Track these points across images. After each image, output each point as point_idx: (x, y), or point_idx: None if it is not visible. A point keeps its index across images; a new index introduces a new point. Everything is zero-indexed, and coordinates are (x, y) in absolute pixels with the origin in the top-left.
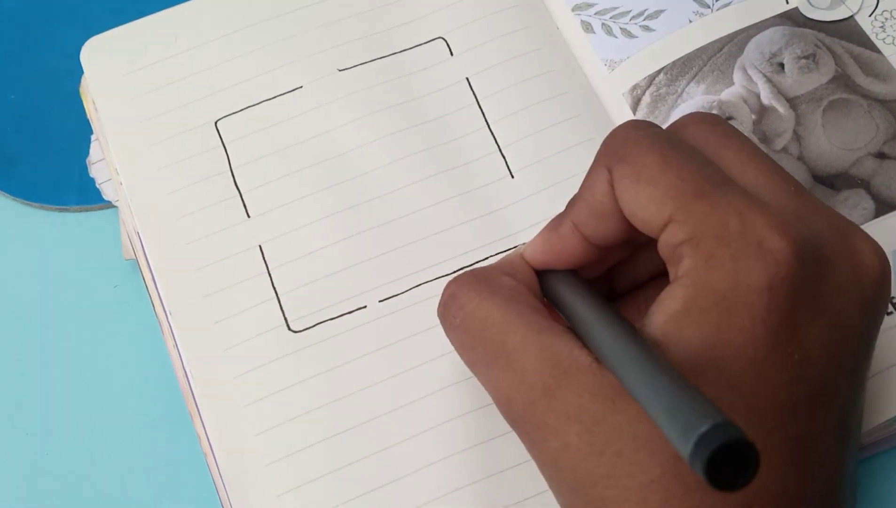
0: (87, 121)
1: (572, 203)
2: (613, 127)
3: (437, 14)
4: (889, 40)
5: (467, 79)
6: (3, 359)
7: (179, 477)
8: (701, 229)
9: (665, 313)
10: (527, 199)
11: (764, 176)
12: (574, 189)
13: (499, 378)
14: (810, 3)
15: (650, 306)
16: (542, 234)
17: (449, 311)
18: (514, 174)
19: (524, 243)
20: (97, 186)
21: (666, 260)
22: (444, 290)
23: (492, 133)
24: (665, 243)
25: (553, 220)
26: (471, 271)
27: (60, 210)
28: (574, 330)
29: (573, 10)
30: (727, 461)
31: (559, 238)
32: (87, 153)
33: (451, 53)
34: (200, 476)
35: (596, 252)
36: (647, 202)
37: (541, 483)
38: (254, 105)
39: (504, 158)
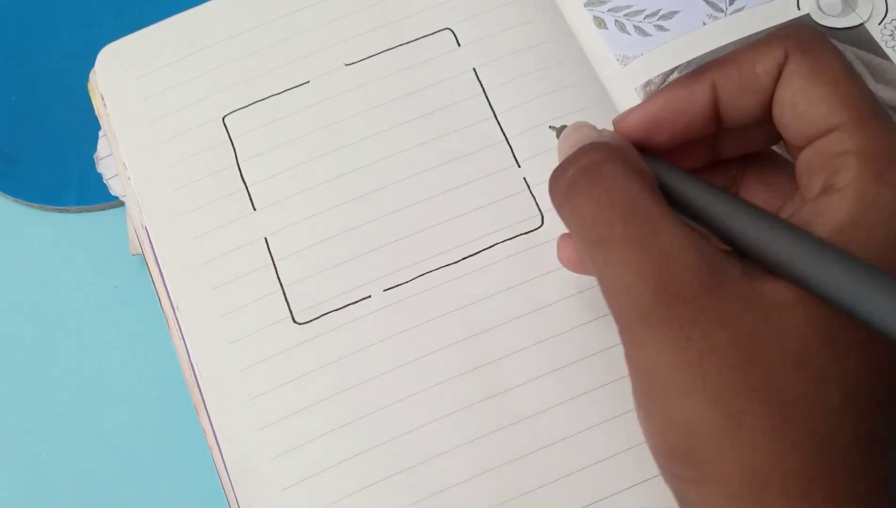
0: (88, 121)
1: (720, 64)
2: None
3: (445, 5)
4: None
5: (474, 69)
6: (3, 359)
7: (185, 471)
8: (873, 147)
9: (830, 224)
10: (533, 188)
11: None
12: None
13: (641, 262)
14: (821, 10)
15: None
16: (668, 89)
17: (589, 178)
18: (520, 164)
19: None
20: (104, 181)
21: (806, 170)
22: (581, 156)
23: (498, 123)
24: (821, 151)
25: (682, 78)
26: (606, 145)
27: (60, 210)
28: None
29: (585, 5)
30: None
31: (689, 94)
32: (88, 154)
33: (459, 44)
34: (206, 469)
35: (710, 131)
36: (818, 101)
37: (546, 473)
38: (261, 100)
39: (511, 147)
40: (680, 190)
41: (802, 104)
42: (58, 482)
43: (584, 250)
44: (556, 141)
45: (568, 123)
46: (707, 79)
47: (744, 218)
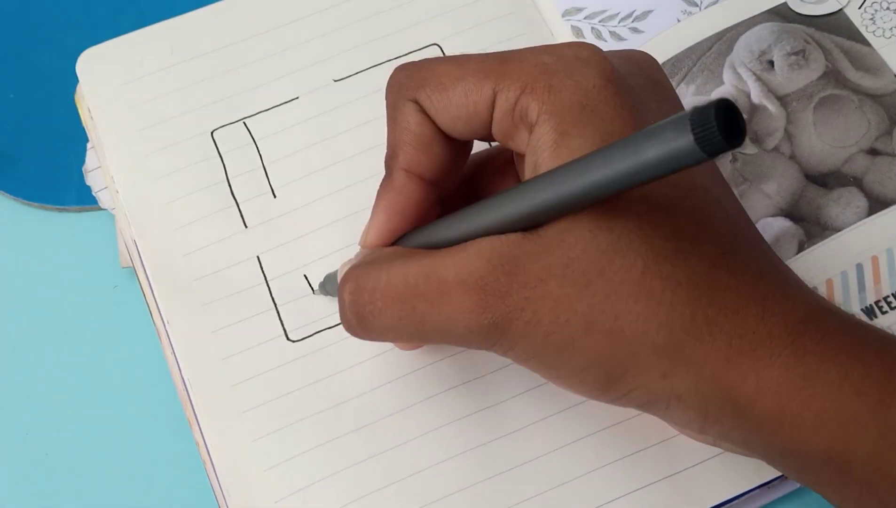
0: (83, 126)
1: (392, 156)
2: None
3: (432, 21)
4: (879, 33)
5: None
6: (2, 359)
7: (178, 484)
8: (526, 77)
9: (546, 151)
10: None
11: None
12: None
13: (460, 310)
14: None
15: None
16: (378, 206)
17: (363, 304)
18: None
19: (350, 260)
20: (94, 194)
21: (507, 134)
22: (342, 297)
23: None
24: (501, 116)
25: (381, 188)
26: (344, 276)
27: (60, 210)
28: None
29: (563, 15)
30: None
31: (399, 195)
32: (84, 154)
33: None
34: (199, 482)
35: (434, 194)
36: (464, 99)
37: (538, 484)
38: (250, 116)
39: None
40: (442, 235)
41: (460, 111)
42: (55, 482)
43: (419, 341)
44: None
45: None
46: (397, 173)
47: (492, 209)
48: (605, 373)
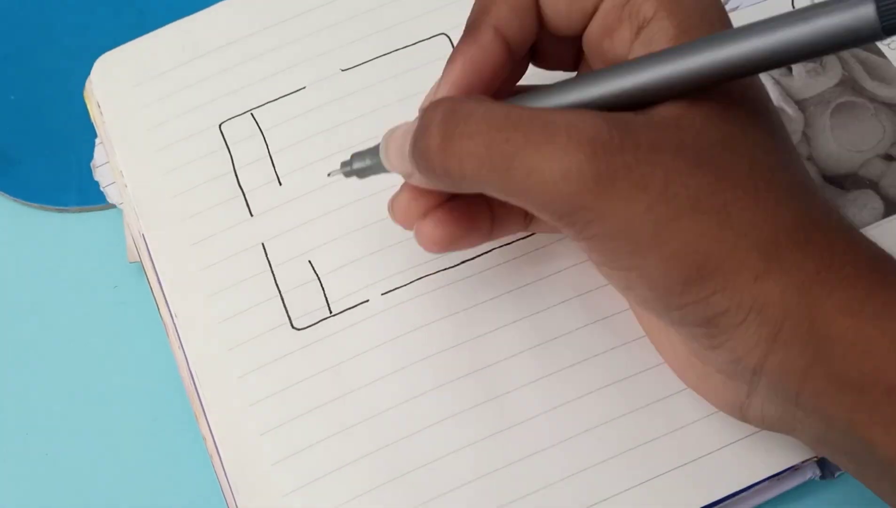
0: (89, 121)
1: (483, 12)
2: None
3: (440, 10)
4: (894, 46)
5: None
6: (3, 359)
7: (184, 478)
8: None
9: (665, 43)
10: None
11: None
12: None
13: (557, 147)
14: None
15: None
16: (455, 60)
17: (456, 123)
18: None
19: (399, 125)
20: (101, 189)
21: (606, 30)
22: (431, 116)
23: None
24: (611, 6)
25: (460, 44)
26: (433, 102)
27: (60, 210)
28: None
29: None
30: None
31: (480, 50)
32: (87, 154)
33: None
34: (206, 476)
35: (511, 64)
36: None
37: (546, 475)
38: (257, 107)
39: None
40: (538, 100)
41: None
42: (56, 483)
43: (496, 185)
44: None
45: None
46: (486, 28)
47: (603, 81)
48: (696, 265)
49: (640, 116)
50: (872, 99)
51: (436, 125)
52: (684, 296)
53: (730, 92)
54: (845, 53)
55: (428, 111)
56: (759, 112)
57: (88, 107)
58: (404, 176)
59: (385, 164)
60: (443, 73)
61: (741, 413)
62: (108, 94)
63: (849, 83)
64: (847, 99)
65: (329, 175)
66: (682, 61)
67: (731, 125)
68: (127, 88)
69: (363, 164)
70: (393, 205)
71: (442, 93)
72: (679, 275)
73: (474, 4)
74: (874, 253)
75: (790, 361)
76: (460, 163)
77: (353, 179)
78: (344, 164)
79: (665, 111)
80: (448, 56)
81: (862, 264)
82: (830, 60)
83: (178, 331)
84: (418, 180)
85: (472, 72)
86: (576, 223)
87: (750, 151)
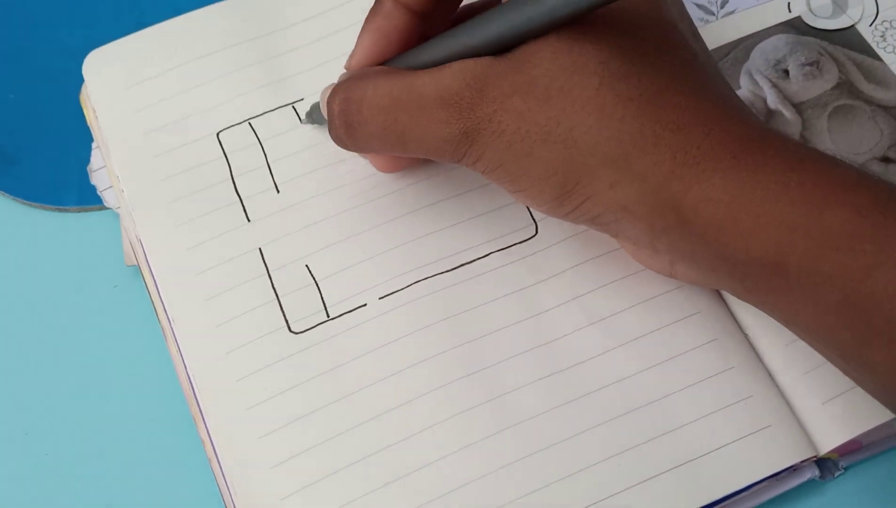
0: (88, 125)
1: None
2: None
3: None
4: (890, 49)
5: None
6: (2, 358)
7: (182, 481)
8: None
9: None
10: None
11: None
12: None
13: (436, 121)
14: (812, 13)
15: None
16: (364, 31)
17: (350, 113)
18: None
19: (333, 83)
20: (98, 193)
21: None
22: (331, 106)
23: None
24: None
25: (368, 15)
26: (334, 88)
27: (60, 210)
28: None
29: None
30: None
31: (385, 20)
32: (87, 154)
33: None
34: (204, 481)
35: (420, 27)
36: None
37: (545, 475)
38: (256, 116)
39: None
40: (423, 58)
41: None
42: (56, 483)
43: (401, 153)
44: None
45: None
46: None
47: (475, 28)
48: (559, 184)
49: (499, 60)
50: (869, 102)
51: (336, 117)
52: (562, 207)
53: (591, 19)
54: (841, 56)
55: (329, 102)
56: (621, 27)
57: (84, 111)
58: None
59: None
60: (356, 43)
61: (673, 276)
62: (102, 97)
63: (846, 86)
64: (844, 102)
65: (301, 121)
66: (514, 13)
67: (580, 45)
68: (121, 90)
69: (318, 115)
70: (372, 164)
71: (354, 61)
72: (550, 192)
73: None
74: (746, 138)
75: (675, 244)
76: (367, 144)
77: (353, 188)
78: (308, 114)
79: (520, 51)
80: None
81: (724, 153)
82: (827, 63)
83: (176, 335)
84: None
85: (381, 39)
86: (466, 165)
87: (600, 67)
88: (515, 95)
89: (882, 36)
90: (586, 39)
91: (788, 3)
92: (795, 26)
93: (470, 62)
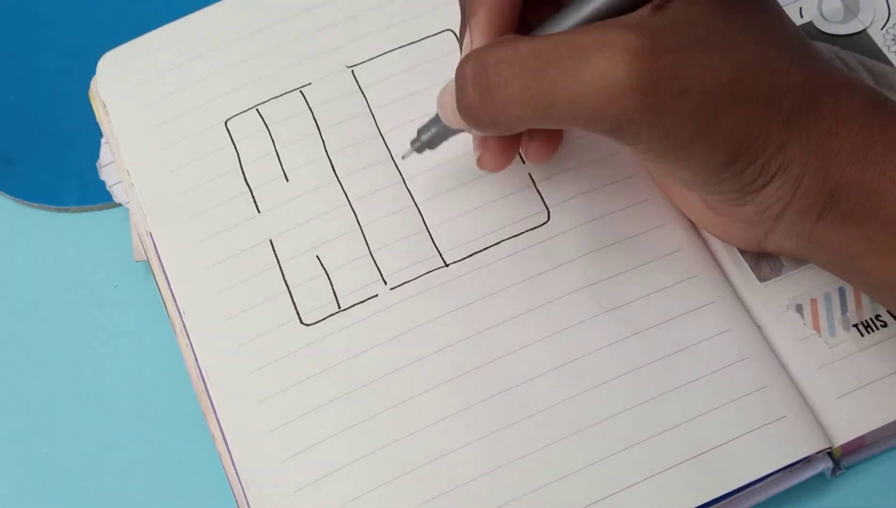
0: (89, 121)
1: None
2: None
3: (446, 6)
4: None
5: None
6: (3, 358)
7: (194, 477)
8: None
9: None
10: (539, 184)
11: None
12: (582, 171)
13: (601, 71)
14: (824, 17)
15: None
16: (476, 14)
17: (487, 75)
18: (524, 160)
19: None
20: (107, 188)
21: None
22: (462, 73)
23: None
24: None
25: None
26: (464, 59)
27: (60, 210)
28: None
29: None
30: None
31: None
32: (88, 153)
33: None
34: (216, 475)
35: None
36: None
37: (558, 468)
38: (263, 102)
39: None
40: (567, 21)
41: None
42: (59, 483)
43: (545, 121)
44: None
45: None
46: None
47: None
48: (733, 149)
49: (656, 14)
50: None
51: (470, 83)
52: (723, 174)
53: None
54: (853, 62)
55: (460, 70)
56: None
57: (94, 107)
58: (468, 130)
59: (448, 124)
60: (469, 26)
61: (759, 247)
62: (112, 92)
63: None
64: None
65: (403, 158)
66: None
67: (730, 9)
68: (132, 87)
69: (429, 133)
70: (479, 162)
71: (475, 44)
72: (721, 159)
73: None
74: (875, 100)
75: (807, 208)
76: (504, 111)
77: (362, 175)
78: (413, 141)
79: (674, 6)
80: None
81: (865, 112)
82: (839, 68)
83: (187, 329)
84: (479, 133)
85: (496, 14)
86: (625, 136)
87: (752, 29)
88: (691, 48)
89: (894, 39)
90: (731, 2)
91: (800, 9)
92: (807, 31)
93: (626, 16)
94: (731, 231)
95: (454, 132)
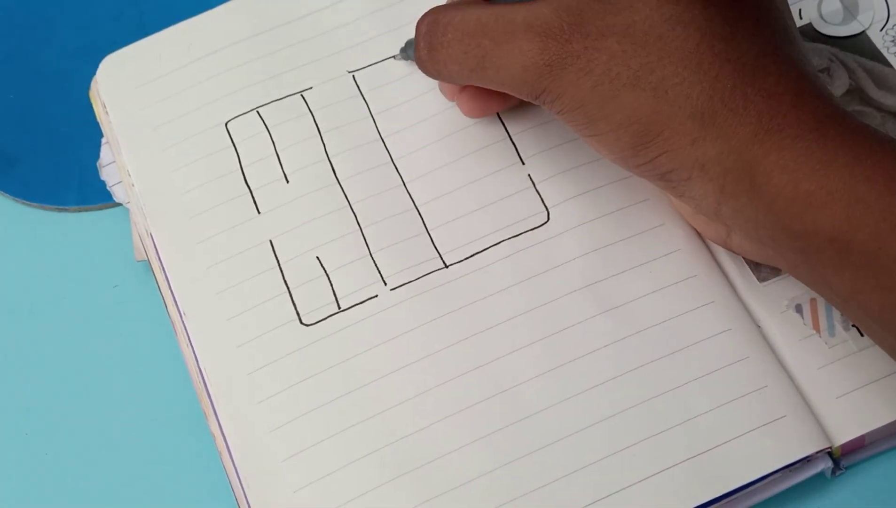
0: (89, 121)
1: None
2: None
3: None
4: None
5: None
6: (3, 358)
7: (194, 477)
8: None
9: None
10: (538, 185)
11: None
12: (582, 171)
13: (521, 49)
14: (823, 19)
15: None
16: None
17: (436, 34)
18: (524, 161)
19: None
20: (108, 188)
21: None
22: (419, 27)
23: (502, 122)
24: None
25: None
26: (424, 14)
27: (60, 210)
28: None
29: None
30: None
31: None
32: (88, 153)
33: None
34: (216, 475)
35: None
36: None
37: (556, 468)
38: (264, 105)
39: (514, 145)
40: None
41: None
42: (59, 483)
43: (477, 81)
44: (559, 139)
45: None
46: None
47: None
48: (640, 133)
49: (599, 1)
50: (879, 108)
51: (422, 38)
52: (636, 158)
53: None
54: (851, 63)
55: (418, 25)
56: None
57: (94, 107)
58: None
59: None
60: None
61: (727, 246)
62: (113, 93)
63: (856, 93)
64: (855, 108)
65: (395, 58)
66: None
67: (686, 1)
68: (132, 88)
69: (411, 50)
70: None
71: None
72: (628, 141)
73: None
74: (826, 113)
75: (741, 210)
76: (446, 67)
77: (361, 178)
78: (402, 50)
79: None
80: None
81: (805, 124)
82: (838, 70)
83: (187, 329)
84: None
85: None
86: (544, 102)
87: (704, 23)
88: (612, 35)
89: (893, 41)
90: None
91: (800, 10)
92: (806, 34)
93: (565, 2)
94: (700, 223)
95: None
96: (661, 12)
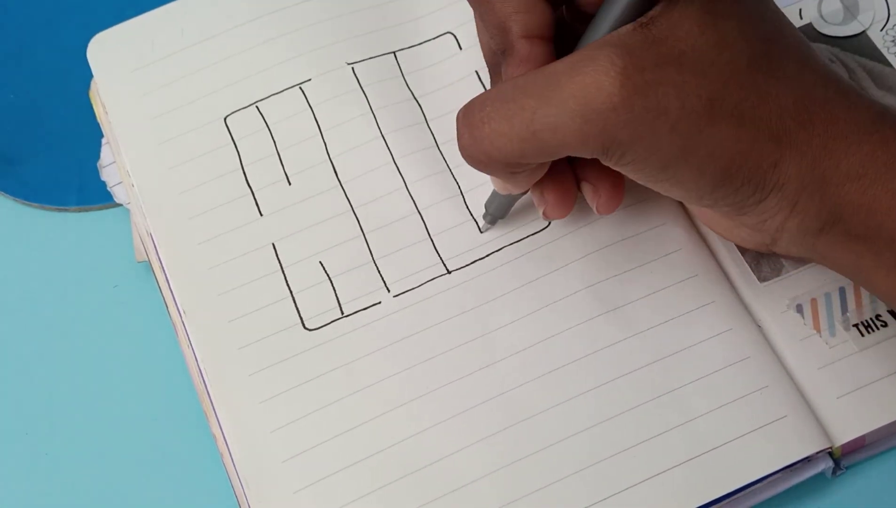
0: (89, 121)
1: (503, 32)
2: None
3: (446, 9)
4: None
5: (476, 72)
6: (3, 359)
7: (195, 478)
8: None
9: None
10: None
11: None
12: None
13: (572, 95)
14: (823, 19)
15: None
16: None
17: (473, 112)
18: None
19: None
20: (109, 189)
21: None
22: (458, 117)
23: None
24: None
25: (507, 67)
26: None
27: (60, 210)
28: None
29: None
30: None
31: (530, 64)
32: (88, 153)
33: (460, 48)
34: (217, 476)
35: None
36: None
37: (556, 470)
38: (262, 99)
39: None
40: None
41: None
42: (59, 483)
43: (532, 151)
44: None
45: None
46: (520, 42)
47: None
48: (724, 167)
49: (638, 31)
50: None
51: (460, 122)
52: (715, 192)
53: None
54: (852, 63)
55: (456, 118)
56: (745, 8)
57: (94, 108)
58: (499, 188)
59: (500, 191)
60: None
61: (768, 250)
62: (107, 78)
63: None
64: None
65: (482, 232)
66: None
67: (724, 22)
68: (126, 73)
69: (494, 205)
70: (544, 214)
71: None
72: (710, 180)
73: (487, 41)
74: (874, 113)
75: (807, 223)
76: (492, 144)
77: (364, 180)
78: (484, 215)
79: (660, 21)
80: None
81: (863, 128)
82: (839, 70)
83: (188, 330)
84: (498, 184)
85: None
86: (611, 157)
87: (746, 45)
88: (668, 65)
89: (893, 41)
90: (727, 17)
91: (800, 10)
92: (806, 33)
93: (605, 37)
94: (739, 235)
95: (514, 198)
96: (706, 38)
